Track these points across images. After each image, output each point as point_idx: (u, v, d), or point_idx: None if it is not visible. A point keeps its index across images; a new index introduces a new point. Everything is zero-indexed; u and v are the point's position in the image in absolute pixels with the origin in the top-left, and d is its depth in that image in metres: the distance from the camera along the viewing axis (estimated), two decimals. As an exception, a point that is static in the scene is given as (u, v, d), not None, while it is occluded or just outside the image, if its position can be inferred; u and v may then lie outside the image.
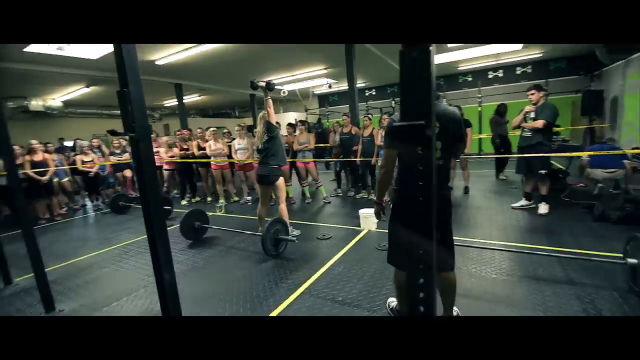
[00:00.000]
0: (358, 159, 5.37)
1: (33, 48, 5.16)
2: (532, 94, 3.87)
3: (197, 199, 6.41)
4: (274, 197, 5.63)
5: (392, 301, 2.18)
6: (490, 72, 10.14)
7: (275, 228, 3.21)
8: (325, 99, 13.65)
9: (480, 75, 10.11)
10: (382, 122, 5.15)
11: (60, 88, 8.36)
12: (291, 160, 5.48)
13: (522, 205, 4.23)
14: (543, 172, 3.79)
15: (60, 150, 7.45)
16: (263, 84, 3.50)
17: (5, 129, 2.58)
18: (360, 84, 11.74)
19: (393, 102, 10.90)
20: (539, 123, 3.71)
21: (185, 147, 6.08)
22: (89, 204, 6.85)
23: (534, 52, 8.55)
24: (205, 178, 6.10)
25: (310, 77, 9.35)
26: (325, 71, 8.81)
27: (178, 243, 3.82)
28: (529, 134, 3.89)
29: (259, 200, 4.02)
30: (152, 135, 6.37)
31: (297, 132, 5.66)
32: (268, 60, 7.54)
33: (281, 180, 3.75)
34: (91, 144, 6.58)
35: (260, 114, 3.72)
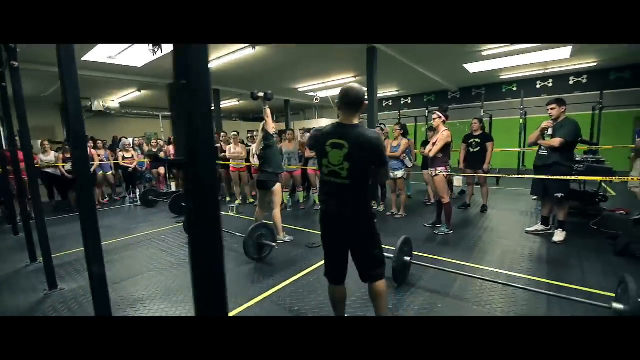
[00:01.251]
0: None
1: (88, 57, 5.94)
2: (552, 109, 3.51)
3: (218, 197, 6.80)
4: (285, 201, 5.85)
5: None
6: (539, 82, 9.30)
7: (260, 233, 3.31)
8: (360, 106, 13.60)
9: (526, 85, 9.32)
10: (394, 132, 5.02)
11: (117, 91, 9.46)
12: (303, 167, 5.58)
13: (537, 230, 3.84)
14: (559, 195, 3.41)
15: (112, 147, 8.42)
16: (262, 94, 3.64)
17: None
18: (394, 92, 11.52)
19: (427, 111, 10.49)
20: (556, 141, 3.35)
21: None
22: (128, 196, 7.63)
23: (587, 61, 7.67)
24: (225, 179, 6.45)
25: (342, 84, 9.43)
26: (354, 79, 8.82)
27: (181, 239, 4.11)
28: (545, 152, 3.53)
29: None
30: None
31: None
32: (300, 68, 7.79)
33: (277, 186, 3.87)
34: (133, 142, 7.34)
35: (262, 123, 3.88)
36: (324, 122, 12.03)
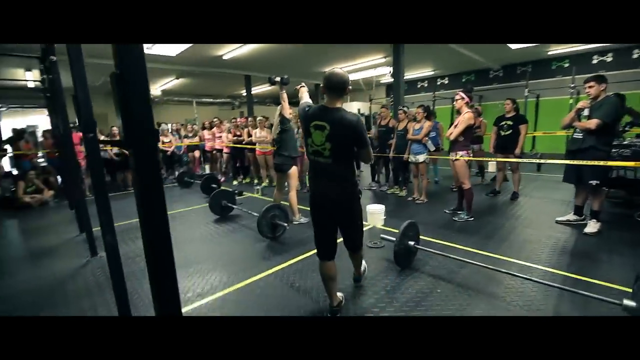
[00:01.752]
0: (391, 154, 5.19)
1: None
2: (590, 87, 3.17)
3: (247, 180, 7.12)
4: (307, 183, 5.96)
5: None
6: (596, 57, 8.27)
7: (273, 213, 3.46)
8: (391, 88, 13.14)
9: (580, 61, 8.35)
10: (410, 115, 4.84)
11: (159, 79, 10.09)
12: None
13: (569, 220, 3.55)
14: (594, 182, 3.11)
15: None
16: (278, 79, 3.70)
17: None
18: (429, 72, 10.96)
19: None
20: (592, 123, 3.03)
21: (238, 133, 6.78)
22: (167, 177, 8.26)
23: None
24: (252, 162, 6.71)
25: (372, 65, 9.20)
26: (384, 59, 8.52)
27: (206, 217, 4.42)
28: (580, 135, 3.22)
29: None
30: (215, 121, 7.27)
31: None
32: (329, 51, 7.71)
33: (293, 169, 3.98)
34: (171, 127, 7.86)
35: (279, 107, 3.96)
36: (355, 106, 11.85)
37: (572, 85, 7.55)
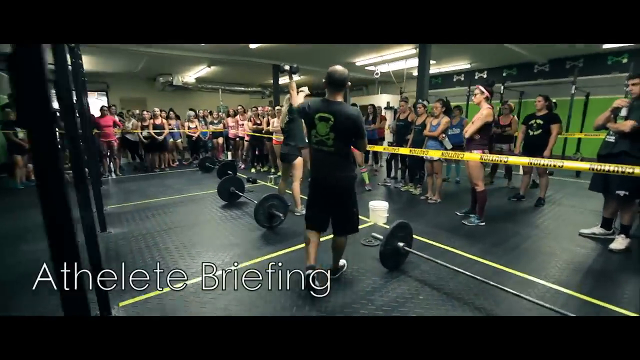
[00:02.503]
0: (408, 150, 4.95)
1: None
2: (634, 84, 2.79)
3: (265, 168, 7.21)
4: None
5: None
6: (663, 50, 7.24)
7: (271, 203, 3.46)
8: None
9: (643, 55, 7.36)
10: (435, 109, 4.55)
11: (192, 67, 10.45)
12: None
13: (594, 233, 3.18)
14: (622, 193, 2.74)
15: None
16: (287, 67, 3.64)
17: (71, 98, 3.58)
18: (465, 65, 10.30)
19: (502, 87, 9.17)
20: (627, 125, 2.66)
21: (258, 122, 6.86)
22: (193, 161, 8.62)
23: None
24: (270, 151, 6.78)
25: (402, 57, 8.83)
26: (415, 51, 8.11)
27: (214, 202, 4.54)
28: (612, 138, 2.83)
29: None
30: (239, 109, 7.40)
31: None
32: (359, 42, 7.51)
33: (299, 160, 3.94)
34: (197, 114, 8.14)
35: (287, 97, 3.92)
36: (384, 99, 11.50)
37: (627, 83, 6.69)
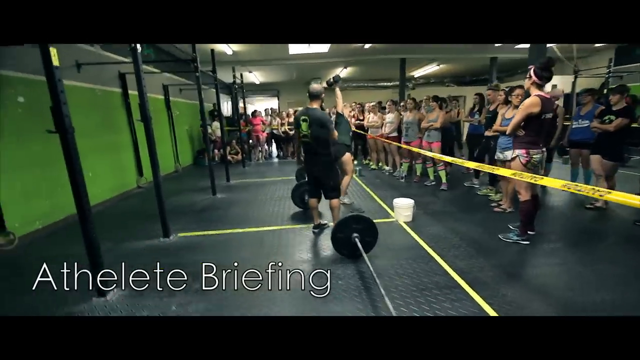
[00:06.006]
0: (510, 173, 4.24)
1: (294, 50, 8.23)
2: None
3: (365, 161, 7.67)
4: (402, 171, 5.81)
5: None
6: None
7: (304, 189, 4.07)
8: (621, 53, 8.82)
9: None
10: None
11: (334, 70, 11.88)
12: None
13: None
14: None
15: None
16: (331, 79, 4.01)
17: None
18: None
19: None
20: None
21: (360, 118, 7.35)
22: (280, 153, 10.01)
23: None
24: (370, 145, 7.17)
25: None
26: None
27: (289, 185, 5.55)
28: None
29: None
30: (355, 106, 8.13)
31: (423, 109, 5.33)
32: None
33: (347, 155, 4.33)
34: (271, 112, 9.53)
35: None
36: (552, 82, 9.09)
37: None
